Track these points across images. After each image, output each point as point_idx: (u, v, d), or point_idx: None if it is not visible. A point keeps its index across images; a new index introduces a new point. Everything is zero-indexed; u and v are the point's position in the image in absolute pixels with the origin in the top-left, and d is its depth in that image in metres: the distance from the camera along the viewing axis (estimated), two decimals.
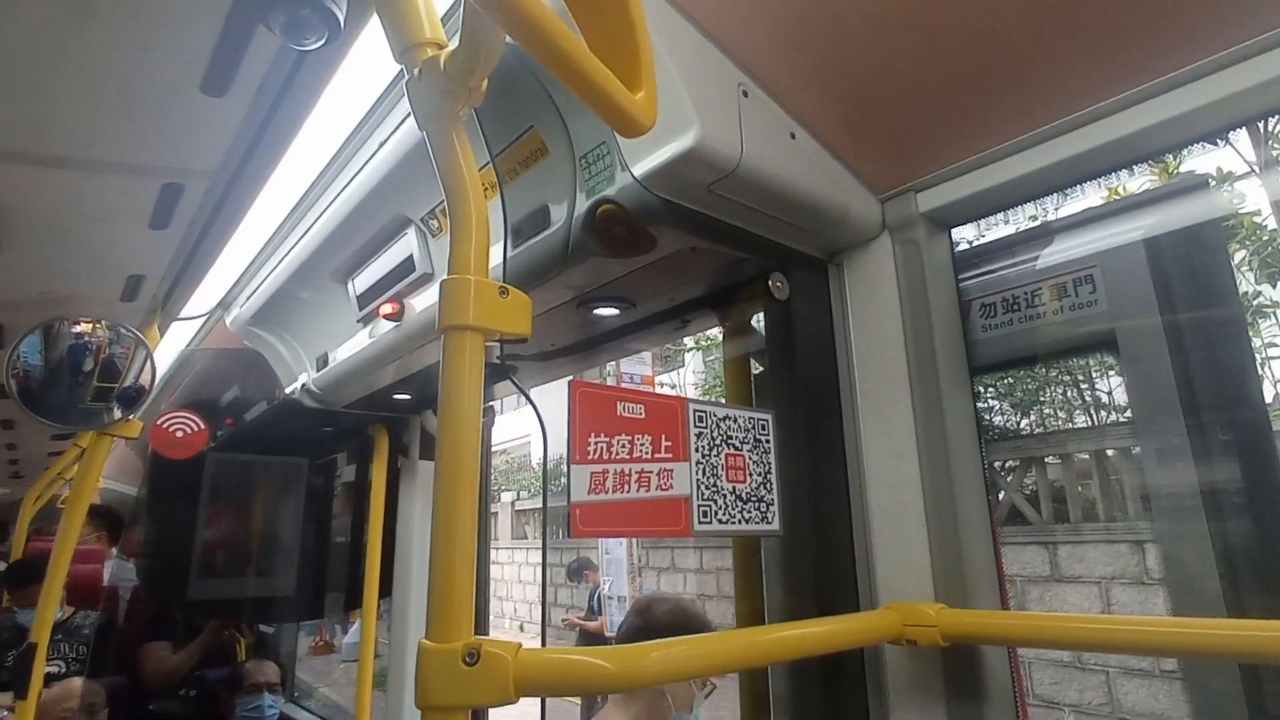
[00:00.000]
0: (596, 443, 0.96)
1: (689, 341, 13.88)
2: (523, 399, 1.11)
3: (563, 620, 9.11)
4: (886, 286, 1.35)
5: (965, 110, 1.20)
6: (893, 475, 1.27)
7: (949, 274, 1.33)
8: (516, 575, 15.67)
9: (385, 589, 2.70)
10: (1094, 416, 8.08)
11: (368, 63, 1.33)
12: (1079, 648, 0.97)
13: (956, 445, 1.22)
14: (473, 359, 0.86)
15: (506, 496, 16.84)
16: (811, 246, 1.40)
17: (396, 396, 2.49)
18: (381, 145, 1.55)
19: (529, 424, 20.38)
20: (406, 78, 0.89)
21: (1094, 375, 8.09)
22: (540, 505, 15.74)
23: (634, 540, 8.05)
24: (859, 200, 1.33)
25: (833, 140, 1.28)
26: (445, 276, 0.89)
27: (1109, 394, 8.02)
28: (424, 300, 1.72)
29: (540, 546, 15.13)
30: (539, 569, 15.18)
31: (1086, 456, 7.03)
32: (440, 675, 0.79)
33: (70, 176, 1.51)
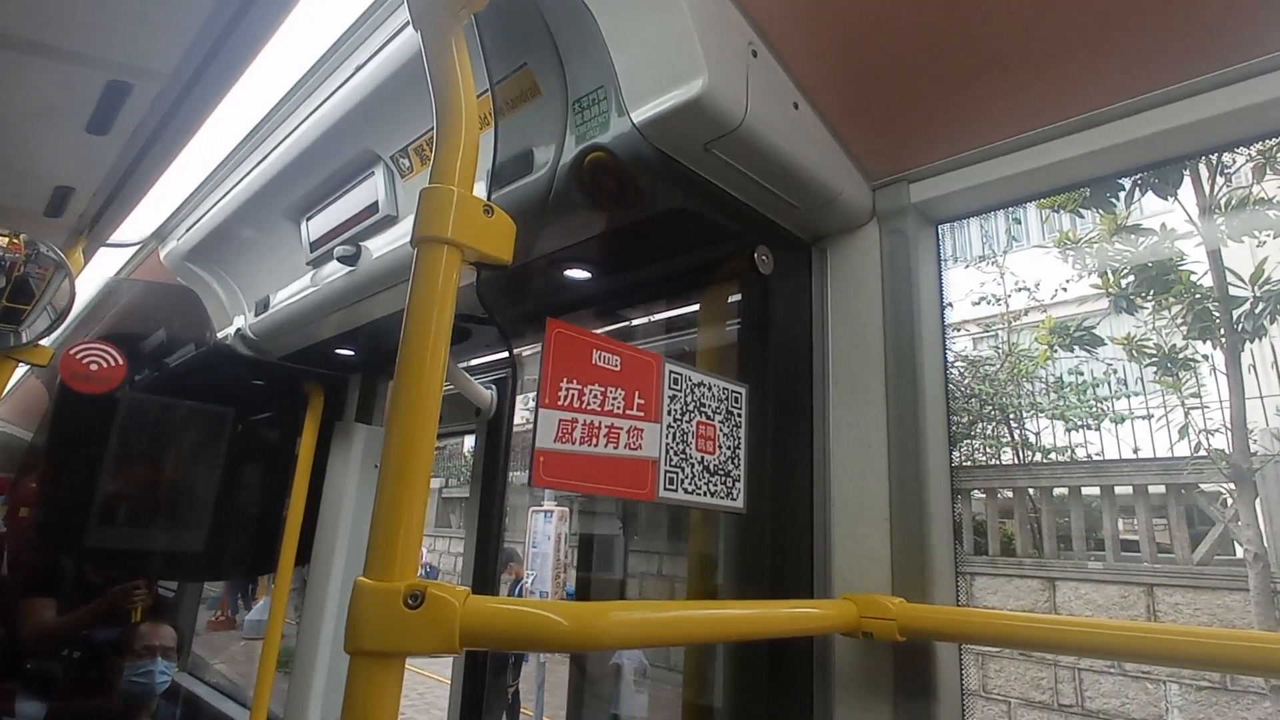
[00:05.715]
0: (569, 389, 0.90)
1: None
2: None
3: None
4: (870, 275, 1.32)
5: (971, 101, 1.18)
6: (859, 465, 1.24)
7: (935, 269, 1.31)
8: (437, 563, 15.32)
9: (303, 557, 2.56)
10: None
11: None
12: (1038, 648, 0.96)
13: (927, 441, 1.20)
14: (446, 277, 0.79)
15: (434, 483, 16.48)
16: (798, 226, 1.36)
17: (338, 352, 2.36)
18: (358, 70, 1.45)
19: None
20: None
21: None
22: (466, 495, 15.45)
23: (563, 536, 7.94)
24: (851, 184, 1.30)
25: (833, 118, 1.25)
26: (427, 186, 0.81)
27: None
28: (384, 244, 1.62)
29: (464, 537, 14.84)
30: (461, 560, 14.89)
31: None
32: (378, 617, 0.71)
33: (7, 57, 1.36)
